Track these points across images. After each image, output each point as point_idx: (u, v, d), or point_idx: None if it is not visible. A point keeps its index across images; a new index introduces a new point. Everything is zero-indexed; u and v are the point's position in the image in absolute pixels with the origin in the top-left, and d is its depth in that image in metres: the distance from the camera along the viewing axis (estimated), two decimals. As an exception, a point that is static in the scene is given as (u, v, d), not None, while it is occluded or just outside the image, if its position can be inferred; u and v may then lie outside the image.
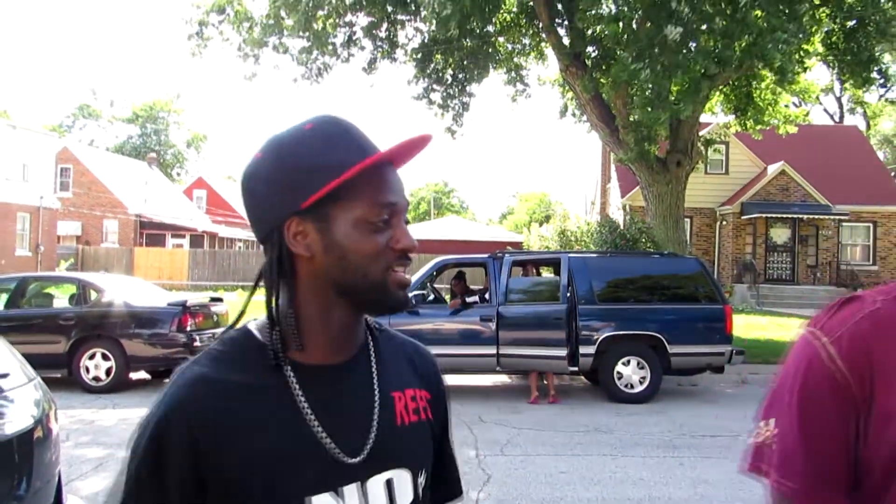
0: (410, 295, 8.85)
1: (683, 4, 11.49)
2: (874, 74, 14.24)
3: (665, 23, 11.65)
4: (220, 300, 10.36)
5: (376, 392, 1.02)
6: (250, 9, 14.78)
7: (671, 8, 11.57)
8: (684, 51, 12.01)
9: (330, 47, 14.58)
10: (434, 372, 1.16)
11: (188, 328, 9.09)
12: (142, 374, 9.92)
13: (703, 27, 12.01)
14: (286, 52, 14.52)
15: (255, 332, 0.99)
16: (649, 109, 12.73)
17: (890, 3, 13.42)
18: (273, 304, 0.97)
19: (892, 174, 32.90)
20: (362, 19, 14.92)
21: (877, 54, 14.22)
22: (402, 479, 1.01)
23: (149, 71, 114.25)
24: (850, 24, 13.72)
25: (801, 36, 11.42)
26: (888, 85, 16.48)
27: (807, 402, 1.16)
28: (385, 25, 15.03)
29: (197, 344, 8.85)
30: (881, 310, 1.15)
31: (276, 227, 0.96)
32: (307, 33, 13.77)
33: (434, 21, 10.85)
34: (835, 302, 1.22)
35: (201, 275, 29.28)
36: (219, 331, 9.14)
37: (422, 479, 1.05)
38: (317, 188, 0.93)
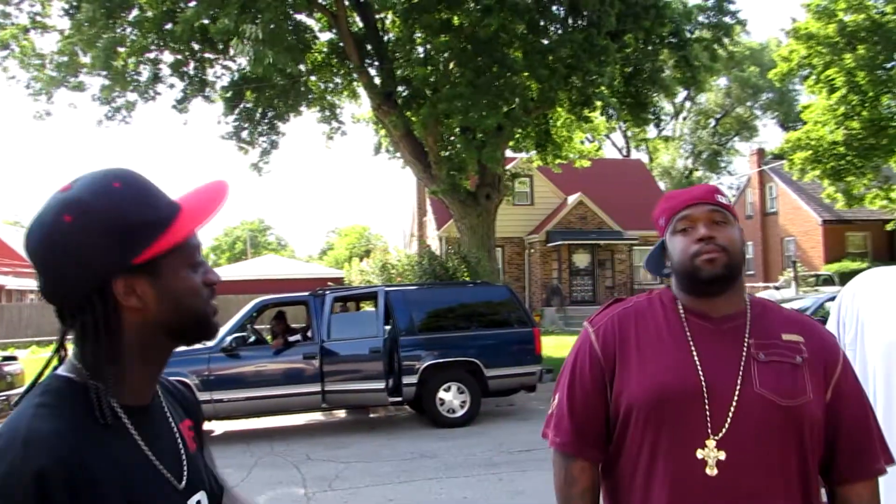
0: (230, 338, 8.70)
1: (491, 54, 12.42)
2: (649, 115, 16.08)
3: (473, 67, 12.51)
4: (13, 359, 9.45)
5: (173, 425, 1.11)
6: (40, 45, 13.83)
7: (479, 54, 12.44)
8: (494, 88, 12.87)
9: (132, 85, 13.96)
10: (195, 401, 1.27)
11: (-22, 390, 8.21)
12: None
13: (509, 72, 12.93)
14: (84, 90, 13.69)
15: (74, 378, 0.99)
16: (458, 146, 13.53)
17: (657, 55, 15.33)
18: (99, 359, 0.97)
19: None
20: (168, 57, 14.47)
21: (651, 98, 16.10)
22: (204, 500, 1.12)
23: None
24: (628, 70, 15.45)
25: (604, 75, 12.70)
26: (660, 124, 18.59)
27: (573, 377, 1.59)
28: (192, 64, 14.66)
29: (-12, 407, 8.01)
30: (634, 306, 1.61)
31: (98, 288, 0.97)
32: (107, 71, 13.10)
33: (249, 59, 10.79)
34: (607, 302, 1.68)
35: (-13, 331, 26.23)
36: (12, 393, 8.35)
37: (212, 500, 1.15)
38: (147, 245, 0.98)
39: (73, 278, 0.97)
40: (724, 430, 1.41)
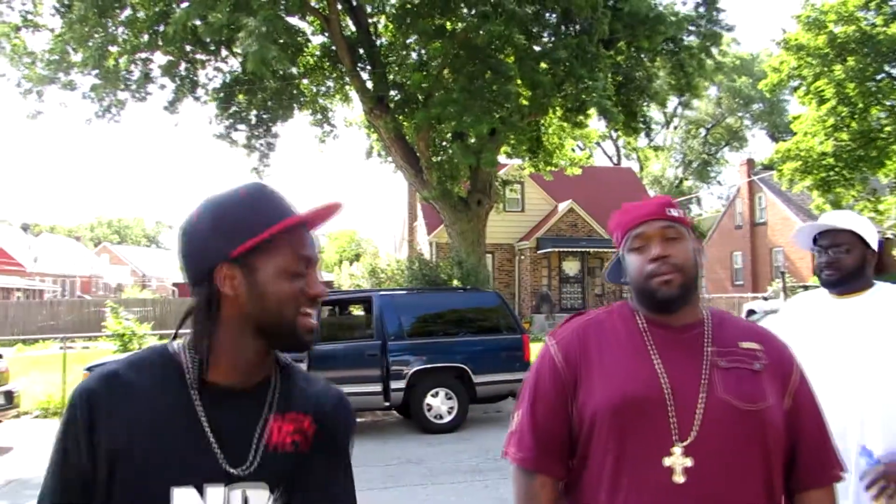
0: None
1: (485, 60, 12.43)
2: (640, 124, 16.14)
3: (466, 73, 12.52)
4: (-2, 357, 9.35)
5: (264, 415, 1.18)
6: (30, 43, 13.74)
7: (472, 60, 12.45)
8: (487, 94, 12.89)
9: (124, 84, 13.89)
10: (331, 410, 1.27)
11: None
12: None
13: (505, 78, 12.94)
14: (74, 89, 13.61)
15: (170, 349, 1.18)
16: (451, 151, 13.54)
17: (650, 63, 15.40)
18: (197, 332, 1.15)
19: (662, 210, 36.95)
20: (159, 57, 14.41)
21: (641, 107, 16.16)
22: (258, 496, 1.14)
23: None
24: (619, 79, 15.51)
25: (598, 82, 12.74)
26: (651, 134, 18.67)
27: (535, 391, 1.57)
28: (184, 65, 14.61)
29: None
30: (595, 318, 1.61)
31: (208, 272, 1.14)
32: (98, 70, 13.03)
33: (251, 53, 10.70)
34: (569, 316, 1.67)
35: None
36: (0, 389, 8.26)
37: (277, 498, 1.16)
38: (246, 239, 1.13)
39: (194, 262, 1.16)
40: (691, 437, 1.41)
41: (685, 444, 1.40)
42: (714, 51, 15.85)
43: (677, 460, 1.39)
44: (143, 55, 14.17)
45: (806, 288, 25.09)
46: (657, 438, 1.42)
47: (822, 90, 18.51)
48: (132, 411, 1.10)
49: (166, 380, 1.14)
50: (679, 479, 1.39)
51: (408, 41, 15.10)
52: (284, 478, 1.17)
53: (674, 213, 1.55)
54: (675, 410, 1.42)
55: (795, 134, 20.52)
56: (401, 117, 14.57)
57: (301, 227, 1.19)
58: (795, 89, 20.34)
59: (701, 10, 15.25)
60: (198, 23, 12.02)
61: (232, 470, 1.12)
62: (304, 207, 1.21)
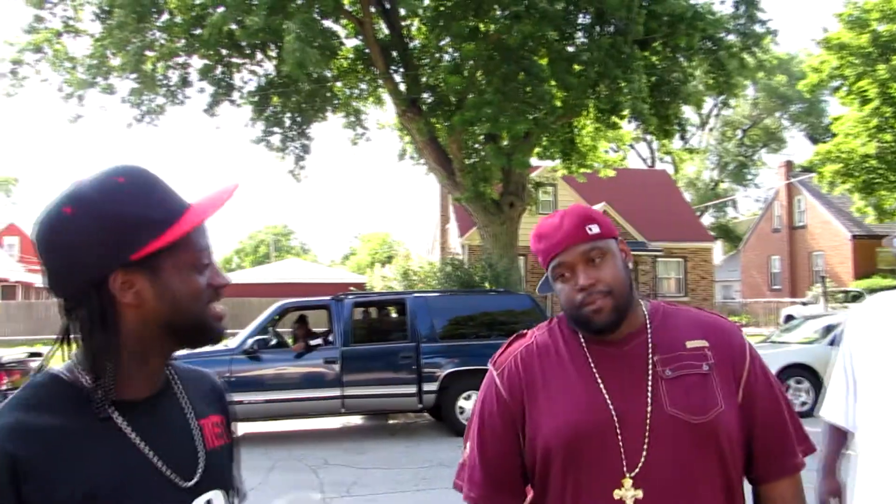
0: (252, 340, 8.71)
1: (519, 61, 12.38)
2: (675, 126, 15.91)
3: (500, 74, 12.48)
4: (39, 355, 9.56)
5: (191, 419, 1.10)
6: (72, 48, 14.04)
7: (506, 62, 12.40)
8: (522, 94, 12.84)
9: (163, 89, 14.12)
10: (222, 396, 1.23)
11: (3, 387, 8.33)
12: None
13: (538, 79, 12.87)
14: (113, 93, 13.88)
15: (63, 375, 1.00)
16: (483, 154, 13.50)
17: (686, 62, 15.17)
18: (95, 355, 0.98)
19: (697, 214, 36.56)
20: (196, 61, 14.62)
21: (677, 108, 15.92)
22: (219, 499, 1.09)
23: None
24: (654, 79, 15.30)
25: (633, 83, 12.60)
26: (685, 136, 18.42)
27: (482, 423, 1.49)
28: (220, 68, 14.80)
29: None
30: (536, 341, 1.52)
31: (95, 282, 0.97)
32: (136, 74, 13.27)
33: (292, 56, 10.77)
34: (509, 339, 1.58)
35: (15, 329, 26.61)
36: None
37: (233, 499, 1.14)
38: (146, 241, 0.98)
39: (72, 270, 0.98)
40: (639, 466, 1.33)
41: (633, 473, 1.33)
42: (756, 50, 15.49)
43: (627, 493, 1.32)
44: (181, 59, 14.39)
45: (847, 293, 24.52)
46: (607, 469, 1.34)
47: (865, 90, 18.11)
48: (62, 464, 0.93)
49: (79, 414, 0.96)
50: None
51: (441, 43, 15.10)
52: (228, 475, 1.14)
53: (594, 229, 1.42)
54: (622, 436, 1.34)
55: (836, 135, 20.11)
56: (433, 120, 14.56)
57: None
58: (836, 89, 19.93)
59: (741, 9, 14.96)
60: (233, 27, 12.16)
61: (187, 484, 1.03)
62: (192, 193, 1.09)
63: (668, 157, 45.33)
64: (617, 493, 1.33)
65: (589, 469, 1.35)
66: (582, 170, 18.39)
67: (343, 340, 8.87)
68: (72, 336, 1.01)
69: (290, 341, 9.91)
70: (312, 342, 9.17)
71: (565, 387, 1.42)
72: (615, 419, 1.36)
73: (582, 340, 1.46)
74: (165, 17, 13.62)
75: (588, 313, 1.40)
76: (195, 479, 1.04)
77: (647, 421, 1.35)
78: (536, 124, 13.30)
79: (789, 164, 32.96)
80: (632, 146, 37.27)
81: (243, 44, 13.35)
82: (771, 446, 1.42)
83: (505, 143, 13.84)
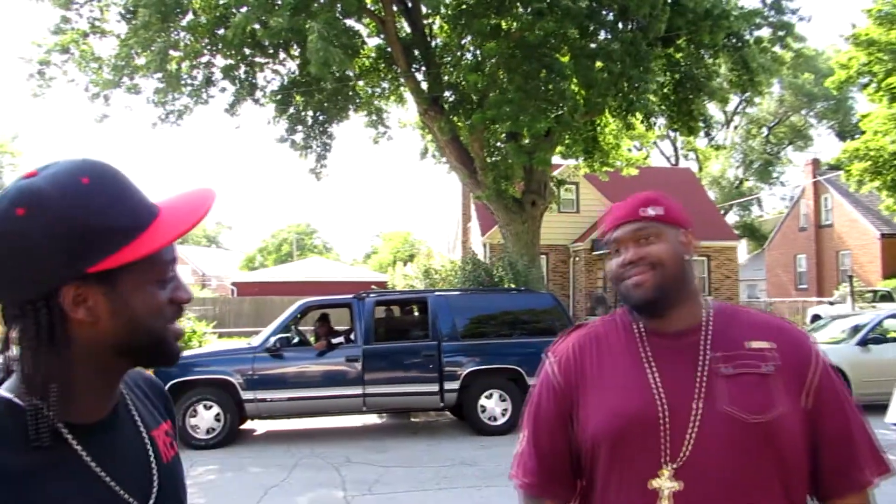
0: (274, 339, 8.76)
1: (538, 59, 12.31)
2: (700, 123, 15.74)
3: (522, 72, 12.42)
4: None
5: (144, 436, 1.02)
6: (98, 49, 14.21)
7: (527, 59, 12.34)
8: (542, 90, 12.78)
9: (187, 88, 14.25)
10: (167, 398, 1.16)
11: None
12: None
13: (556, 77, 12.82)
14: (139, 93, 14.04)
15: (12, 398, 0.89)
16: (505, 152, 13.46)
17: (711, 59, 15.00)
18: (39, 374, 0.87)
19: (722, 212, 36.17)
20: (220, 61, 14.74)
21: (700, 106, 15.75)
22: None
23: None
24: (677, 76, 15.16)
25: (648, 82, 12.50)
26: (711, 133, 18.23)
27: (537, 411, 1.52)
28: (243, 68, 14.90)
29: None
30: (593, 331, 1.54)
31: (44, 294, 0.86)
32: (161, 74, 13.40)
33: (317, 56, 10.81)
34: (567, 329, 1.60)
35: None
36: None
37: None
38: (106, 254, 0.87)
39: (18, 277, 0.85)
40: (682, 458, 1.31)
41: (675, 465, 1.31)
42: (789, 40, 15.19)
43: (664, 483, 1.31)
44: (204, 59, 14.51)
45: (875, 293, 24.11)
46: (645, 459, 1.34)
47: (894, 87, 17.78)
48: (15, 499, 0.83)
49: (23, 442, 0.86)
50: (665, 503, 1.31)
51: (463, 42, 15.08)
52: (182, 487, 1.09)
53: (651, 211, 1.46)
54: (667, 428, 1.34)
55: (864, 133, 19.78)
56: (455, 118, 14.55)
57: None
58: (865, 86, 19.61)
59: (768, 1, 14.73)
60: (256, 27, 12.23)
61: None
62: (159, 194, 0.97)
63: (693, 155, 44.93)
64: (653, 483, 1.32)
65: (631, 459, 1.36)
66: (605, 168, 18.28)
67: (365, 339, 8.90)
68: (9, 350, 0.90)
69: (312, 340, 9.96)
70: (334, 340, 9.20)
71: (617, 376, 1.43)
72: (662, 410, 1.35)
73: (638, 331, 1.47)
74: (190, 17, 13.75)
75: (629, 286, 1.43)
76: (152, 500, 0.97)
77: (697, 415, 1.34)
78: (558, 122, 13.24)
79: (816, 162, 32.48)
80: (656, 144, 37.01)
81: (266, 43, 13.42)
82: (838, 460, 1.37)
83: (526, 141, 13.78)
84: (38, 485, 0.85)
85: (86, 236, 0.85)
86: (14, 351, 0.90)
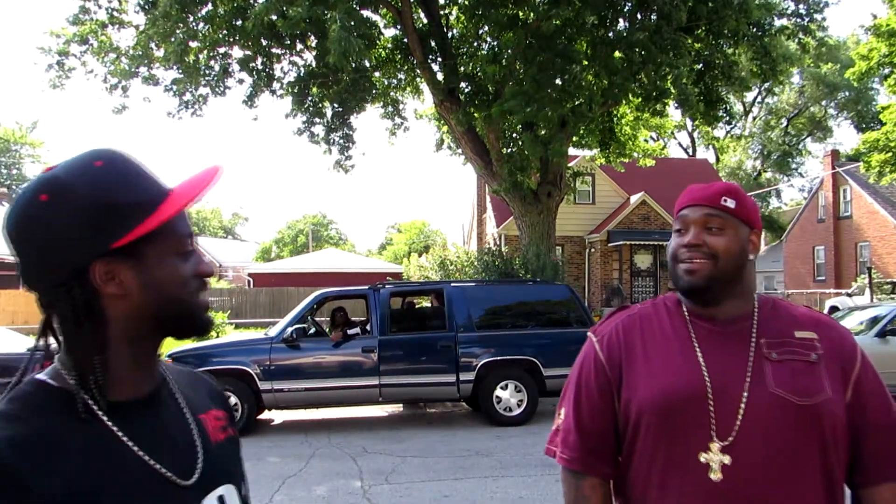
0: (291, 329, 8.82)
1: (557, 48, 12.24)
2: (720, 113, 15.60)
3: (537, 63, 12.36)
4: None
5: (188, 416, 1.06)
6: (116, 39, 14.30)
7: (543, 49, 12.28)
8: (558, 83, 12.72)
9: (204, 79, 14.32)
10: (220, 392, 1.21)
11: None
12: None
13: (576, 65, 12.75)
14: (157, 84, 14.12)
15: (49, 381, 0.94)
16: (521, 143, 13.41)
17: (732, 49, 14.86)
18: (80, 350, 0.93)
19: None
20: (237, 52, 14.80)
21: (722, 95, 15.61)
22: (231, 494, 1.06)
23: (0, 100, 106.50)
24: (698, 66, 15.03)
25: (679, 69, 12.41)
26: (732, 122, 18.07)
27: (579, 388, 1.55)
28: (260, 59, 14.95)
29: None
30: (639, 312, 1.58)
31: (74, 272, 0.92)
32: (179, 65, 13.47)
33: (337, 47, 10.81)
34: (611, 311, 1.64)
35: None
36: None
37: (245, 491, 1.11)
38: (129, 228, 0.93)
39: (50, 261, 0.92)
40: (732, 434, 1.36)
41: (725, 441, 1.36)
42: (812, 27, 14.99)
43: (714, 457, 1.36)
44: (222, 50, 14.56)
45: (894, 284, 23.84)
46: (695, 434, 1.38)
47: (916, 77, 17.53)
48: (53, 478, 0.86)
49: (69, 419, 0.91)
50: (716, 476, 1.35)
51: (479, 32, 15.03)
52: (238, 468, 1.12)
53: (729, 202, 1.47)
54: (715, 406, 1.38)
55: (884, 124, 19.52)
56: (471, 109, 14.52)
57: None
58: (886, 77, 19.34)
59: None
60: (274, 17, 12.25)
61: (187, 482, 0.98)
62: (172, 176, 1.04)
63: (710, 147, 44.54)
64: (703, 457, 1.36)
65: (677, 437, 1.40)
66: (621, 159, 18.19)
67: (380, 329, 8.94)
68: (54, 333, 0.95)
69: (328, 330, 10.03)
70: (350, 331, 9.26)
71: (664, 356, 1.47)
72: (710, 391, 1.39)
73: (686, 314, 1.51)
74: (209, 7, 13.80)
75: (682, 270, 1.47)
76: (195, 477, 1.00)
77: (745, 396, 1.38)
78: (573, 113, 13.18)
79: (835, 153, 32.13)
80: (673, 134, 36.72)
81: (284, 34, 13.46)
82: (878, 449, 1.41)
83: (542, 132, 13.74)
84: (71, 461, 0.88)
85: (107, 212, 0.92)
86: (53, 341, 0.96)
